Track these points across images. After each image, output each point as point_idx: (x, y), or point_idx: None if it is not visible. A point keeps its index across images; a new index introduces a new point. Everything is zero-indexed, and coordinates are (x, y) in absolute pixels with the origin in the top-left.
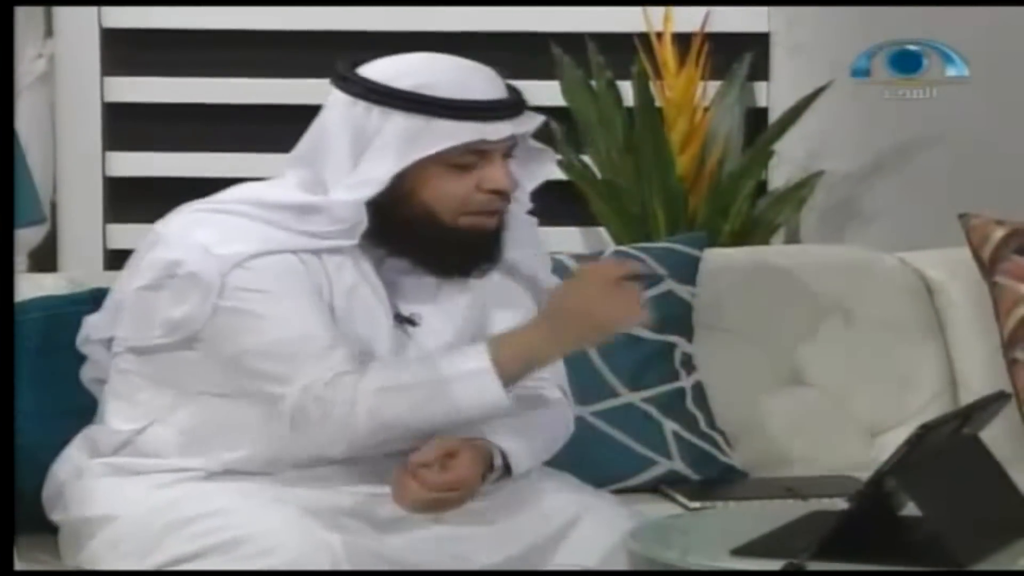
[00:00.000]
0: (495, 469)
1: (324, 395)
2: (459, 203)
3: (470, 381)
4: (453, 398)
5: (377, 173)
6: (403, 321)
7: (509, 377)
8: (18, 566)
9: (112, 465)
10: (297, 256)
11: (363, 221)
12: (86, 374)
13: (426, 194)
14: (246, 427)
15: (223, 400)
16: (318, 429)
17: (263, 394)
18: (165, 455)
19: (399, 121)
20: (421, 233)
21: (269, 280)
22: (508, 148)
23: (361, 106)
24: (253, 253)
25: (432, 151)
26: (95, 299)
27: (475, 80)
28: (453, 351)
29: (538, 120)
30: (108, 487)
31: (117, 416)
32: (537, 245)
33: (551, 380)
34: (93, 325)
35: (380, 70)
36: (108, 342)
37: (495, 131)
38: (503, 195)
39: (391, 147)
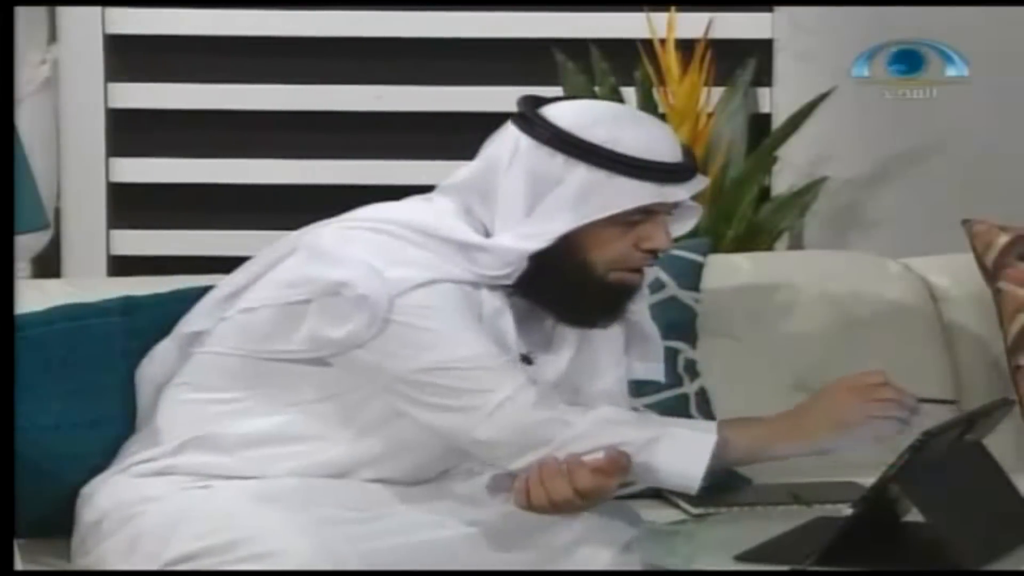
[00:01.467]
0: None
1: (534, 408)
2: (616, 259)
3: (684, 447)
4: (656, 455)
5: (552, 228)
6: (520, 359)
7: (726, 460)
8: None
9: (158, 467)
10: (458, 285)
11: (524, 266)
12: (147, 374)
13: (588, 248)
14: (337, 431)
15: (324, 407)
16: (518, 438)
17: (441, 406)
18: (227, 452)
19: (582, 174)
20: (568, 283)
21: (444, 301)
22: (672, 207)
23: (545, 151)
24: (423, 280)
25: (611, 212)
26: (122, 309)
27: (659, 139)
28: (684, 418)
29: (706, 182)
30: (141, 486)
31: (190, 415)
32: (645, 292)
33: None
34: (193, 321)
35: (567, 117)
36: (187, 339)
37: (672, 194)
38: (657, 254)
39: (569, 201)
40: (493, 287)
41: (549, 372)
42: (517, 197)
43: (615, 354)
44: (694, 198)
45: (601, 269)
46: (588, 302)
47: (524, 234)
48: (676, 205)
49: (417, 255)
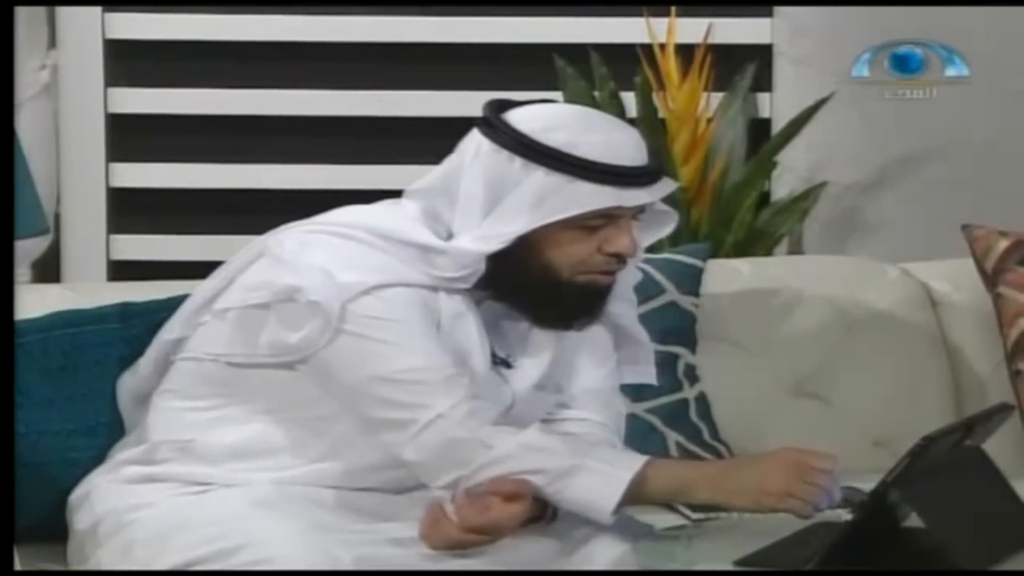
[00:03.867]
0: (543, 519)
1: (461, 427)
2: (579, 262)
3: (600, 477)
4: (572, 483)
5: (508, 229)
6: (499, 362)
7: (644, 497)
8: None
9: (145, 473)
10: (414, 290)
11: (482, 269)
12: (125, 384)
13: (548, 251)
14: (313, 443)
15: (296, 416)
16: (439, 457)
17: (380, 419)
18: (212, 463)
19: (540, 177)
20: (534, 285)
21: (393, 309)
22: (636, 211)
23: (504, 155)
24: (377, 284)
25: (568, 215)
26: (119, 315)
27: (620, 143)
28: (611, 448)
29: (672, 187)
30: (133, 493)
31: (173, 423)
32: (632, 297)
33: (612, 428)
34: (173, 328)
35: (529, 121)
36: (169, 346)
37: (632, 198)
38: (623, 258)
39: (526, 204)
40: (453, 291)
41: (530, 374)
42: (475, 200)
43: (599, 353)
44: (667, 201)
45: (566, 272)
46: (557, 304)
47: (481, 236)
48: (642, 209)
49: (374, 258)
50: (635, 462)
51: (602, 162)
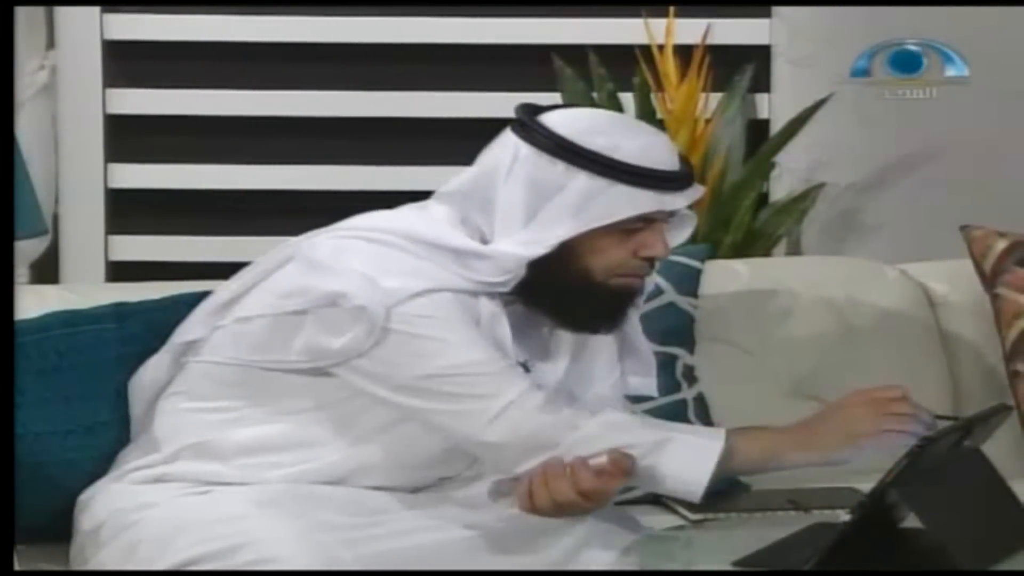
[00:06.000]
0: None
1: (542, 411)
2: (615, 266)
3: (691, 452)
4: (662, 459)
5: (552, 235)
6: (519, 366)
7: (732, 469)
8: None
9: (154, 474)
10: (456, 294)
11: (522, 273)
12: (138, 385)
13: (587, 255)
14: (330, 441)
15: (316, 417)
16: (525, 442)
17: (445, 412)
18: (223, 460)
19: (582, 181)
20: (569, 289)
21: (441, 309)
22: (668, 215)
23: (545, 159)
24: (420, 290)
25: (612, 220)
26: (115, 315)
27: (658, 147)
28: (690, 424)
29: (701, 191)
30: (139, 493)
31: (187, 425)
32: (639, 306)
33: None
34: (188, 330)
35: (567, 125)
36: (181, 348)
37: (671, 202)
38: (655, 261)
39: (570, 209)
40: (491, 295)
41: (547, 380)
42: (517, 205)
43: (610, 361)
44: (690, 206)
45: (600, 276)
46: (590, 308)
47: (523, 241)
48: (672, 213)
49: (413, 264)
50: (719, 433)
51: (643, 166)
